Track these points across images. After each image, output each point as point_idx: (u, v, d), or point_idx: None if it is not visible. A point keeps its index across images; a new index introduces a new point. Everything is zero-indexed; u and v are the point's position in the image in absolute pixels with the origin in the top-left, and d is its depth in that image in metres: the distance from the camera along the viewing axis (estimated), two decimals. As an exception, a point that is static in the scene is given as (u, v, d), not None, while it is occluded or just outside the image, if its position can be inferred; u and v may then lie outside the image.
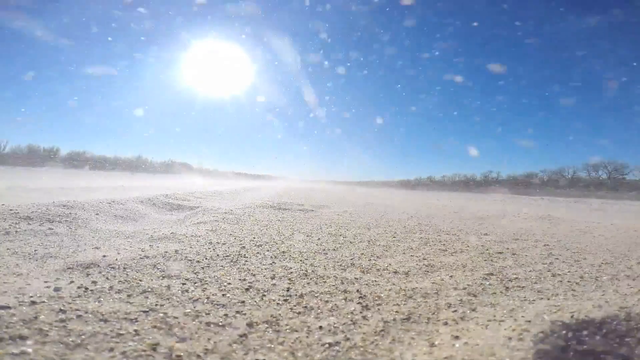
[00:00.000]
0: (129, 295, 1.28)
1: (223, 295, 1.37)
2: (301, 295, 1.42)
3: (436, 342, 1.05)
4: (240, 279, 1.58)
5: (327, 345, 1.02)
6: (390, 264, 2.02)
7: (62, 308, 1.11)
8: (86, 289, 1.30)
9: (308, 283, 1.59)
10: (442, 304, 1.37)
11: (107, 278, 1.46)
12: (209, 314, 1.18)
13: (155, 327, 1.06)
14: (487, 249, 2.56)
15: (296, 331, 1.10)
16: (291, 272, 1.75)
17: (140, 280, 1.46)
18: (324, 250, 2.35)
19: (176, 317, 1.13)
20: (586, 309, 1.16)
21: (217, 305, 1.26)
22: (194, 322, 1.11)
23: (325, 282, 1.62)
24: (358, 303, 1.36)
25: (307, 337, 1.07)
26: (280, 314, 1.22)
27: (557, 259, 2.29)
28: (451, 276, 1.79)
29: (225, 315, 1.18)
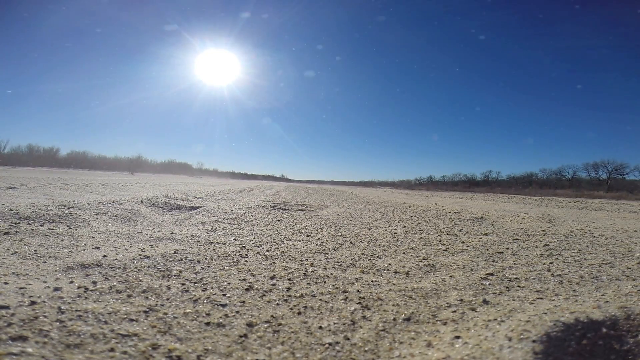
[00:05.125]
0: (129, 296, 1.28)
1: (223, 295, 1.37)
2: (301, 296, 1.42)
3: (436, 342, 1.05)
4: (240, 279, 1.58)
5: (327, 345, 1.02)
6: (390, 264, 2.02)
7: (62, 308, 1.11)
8: (86, 289, 1.30)
9: (308, 283, 1.59)
10: (442, 304, 1.37)
11: (107, 278, 1.46)
12: (209, 314, 1.18)
13: (155, 327, 1.06)
14: (487, 249, 2.56)
15: (296, 331, 1.10)
16: (291, 272, 1.75)
17: (140, 280, 1.46)
18: (324, 250, 2.35)
19: (176, 317, 1.13)
20: (586, 309, 1.16)
21: (217, 305, 1.26)
22: (193, 322, 1.11)
23: (325, 282, 1.62)
24: (358, 303, 1.36)
25: (307, 337, 1.07)
26: (280, 314, 1.22)
27: (557, 259, 2.29)
28: (451, 276, 1.79)
29: (225, 315, 1.18)
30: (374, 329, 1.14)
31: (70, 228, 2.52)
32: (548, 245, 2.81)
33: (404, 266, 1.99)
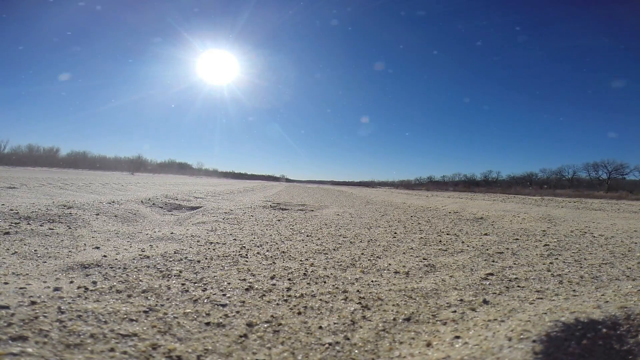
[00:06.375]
0: (129, 296, 1.28)
1: (223, 295, 1.37)
2: (301, 296, 1.42)
3: (436, 342, 1.05)
4: (240, 279, 1.58)
5: (327, 345, 1.02)
6: (390, 264, 2.02)
7: (62, 308, 1.11)
8: (86, 289, 1.30)
9: (308, 283, 1.59)
10: (442, 304, 1.37)
11: (107, 278, 1.46)
12: (209, 314, 1.18)
13: (155, 327, 1.06)
14: (487, 249, 2.56)
15: (296, 331, 1.10)
16: (291, 272, 1.75)
17: (140, 280, 1.46)
18: (324, 250, 2.35)
19: (176, 317, 1.13)
20: (586, 309, 1.16)
21: (217, 305, 1.26)
22: (193, 322, 1.11)
23: (325, 282, 1.62)
24: (358, 303, 1.36)
25: (307, 337, 1.07)
26: (280, 314, 1.22)
27: (557, 259, 2.29)
28: (451, 276, 1.79)
29: (225, 315, 1.18)
30: (374, 329, 1.14)
31: (70, 228, 2.52)
32: (548, 245, 2.81)
33: (404, 266, 1.99)
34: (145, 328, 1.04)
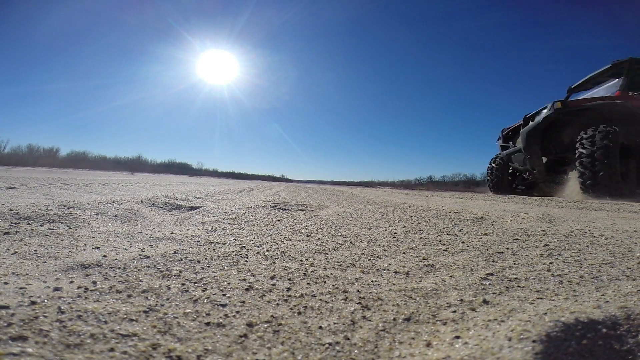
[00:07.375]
0: (129, 296, 1.28)
1: (223, 295, 1.37)
2: (301, 296, 1.42)
3: (436, 342, 1.05)
4: (240, 279, 1.58)
5: (327, 345, 1.02)
6: (390, 264, 2.02)
7: (62, 308, 1.11)
8: (86, 289, 1.30)
9: (308, 283, 1.59)
10: (442, 304, 1.37)
11: (107, 278, 1.46)
12: (209, 314, 1.18)
13: (155, 327, 1.06)
14: (487, 249, 2.56)
15: (296, 331, 1.10)
16: (291, 272, 1.75)
17: (140, 280, 1.46)
18: (324, 250, 2.35)
19: (176, 317, 1.13)
20: (586, 309, 1.16)
21: (217, 305, 1.26)
22: (193, 322, 1.11)
23: (325, 282, 1.62)
24: (358, 303, 1.36)
25: (307, 337, 1.07)
26: (280, 314, 1.22)
27: (557, 259, 2.29)
28: (451, 276, 1.79)
29: (225, 315, 1.18)
30: (374, 329, 1.14)
31: (70, 228, 2.52)
32: (548, 245, 2.81)
33: (404, 266, 1.98)
34: (145, 328, 1.04)
